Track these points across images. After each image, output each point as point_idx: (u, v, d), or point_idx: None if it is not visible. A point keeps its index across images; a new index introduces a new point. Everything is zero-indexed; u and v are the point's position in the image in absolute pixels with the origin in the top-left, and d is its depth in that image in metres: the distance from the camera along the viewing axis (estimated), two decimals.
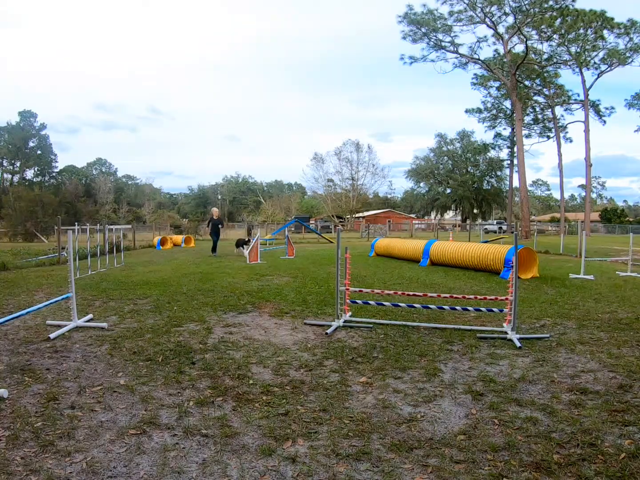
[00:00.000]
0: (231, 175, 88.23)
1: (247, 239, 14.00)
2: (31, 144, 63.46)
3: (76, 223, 12.49)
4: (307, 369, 3.29)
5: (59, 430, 2.32)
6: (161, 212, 61.25)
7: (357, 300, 5.18)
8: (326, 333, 4.26)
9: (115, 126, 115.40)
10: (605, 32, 31.40)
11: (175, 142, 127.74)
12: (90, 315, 4.79)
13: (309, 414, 2.53)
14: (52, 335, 4.01)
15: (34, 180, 63.25)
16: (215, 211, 14.45)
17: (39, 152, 64.02)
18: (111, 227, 13.49)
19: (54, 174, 67.46)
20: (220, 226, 14.20)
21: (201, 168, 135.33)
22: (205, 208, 77.92)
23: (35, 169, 64.97)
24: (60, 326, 4.35)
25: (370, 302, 5.20)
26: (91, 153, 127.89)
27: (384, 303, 5.08)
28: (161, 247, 18.36)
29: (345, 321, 4.64)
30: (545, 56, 34.25)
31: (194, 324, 4.61)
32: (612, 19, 30.68)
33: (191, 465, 2.02)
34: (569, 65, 34.17)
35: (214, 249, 13.94)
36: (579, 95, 36.54)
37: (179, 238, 21.09)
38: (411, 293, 5.36)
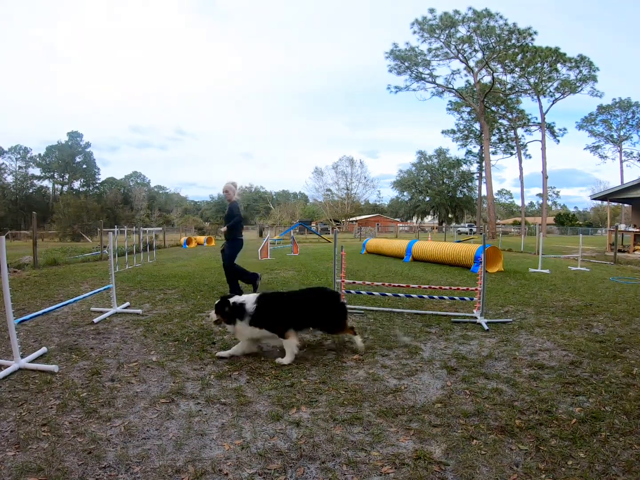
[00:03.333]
0: (245, 185, 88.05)
1: None
2: (78, 160, 63.41)
3: (116, 226, 12.49)
4: (309, 348, 3.28)
5: (101, 399, 2.31)
6: (187, 217, 61.10)
7: (351, 290, 5.17)
8: None
9: (149, 145, 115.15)
10: (558, 65, 31.46)
11: (199, 158, 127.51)
12: (127, 303, 4.77)
13: (310, 386, 2.52)
14: (95, 320, 4.01)
15: (80, 190, 63.15)
16: (229, 188, 5.82)
17: (84, 166, 63.98)
18: (145, 229, 13.47)
19: (97, 185, 67.39)
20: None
21: (220, 180, 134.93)
22: (224, 213, 77.80)
23: (81, 180, 64.91)
24: (102, 312, 4.34)
25: (362, 292, 5.19)
26: (128, 167, 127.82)
27: (374, 293, 5.07)
28: (187, 246, 18.34)
29: None
30: (508, 86, 34.28)
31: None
32: (565, 54, 30.72)
33: (212, 428, 2.02)
34: (529, 94, 34.23)
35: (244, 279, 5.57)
36: (537, 119, 36.56)
37: (202, 238, 21.06)
38: (396, 284, 5.34)
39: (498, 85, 33.19)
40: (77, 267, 9.07)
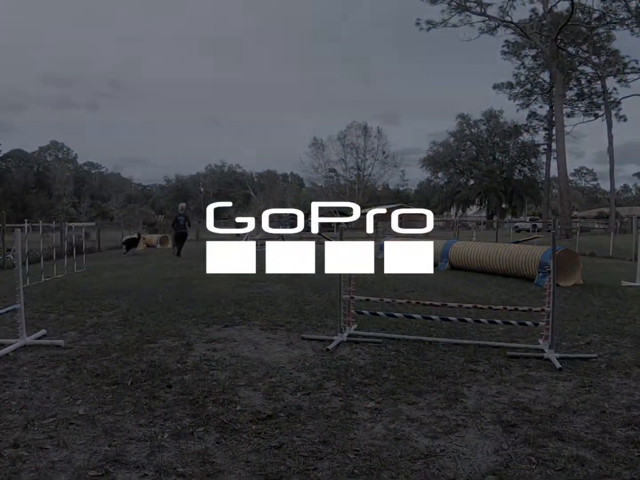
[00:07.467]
0: (215, 164, 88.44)
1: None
2: None
3: (26, 220, 12.41)
4: (304, 392, 3.27)
5: None
6: (132, 207, 61.35)
7: (363, 311, 5.16)
8: (327, 349, 4.26)
9: (71, 103, 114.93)
10: None
11: (147, 124, 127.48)
12: (43, 331, 4.75)
13: (306, 447, 2.51)
14: None
15: None
16: None
17: None
18: (70, 224, 13.48)
19: None
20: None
21: (179, 155, 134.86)
22: (185, 202, 78.12)
23: None
24: (4, 345, 4.28)
25: (379, 312, 5.19)
26: (44, 135, 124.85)
27: (396, 314, 5.07)
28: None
29: (349, 335, 4.64)
30: (595, 15, 33.09)
31: (171, 339, 4.60)
32: None
33: None
34: (627, 26, 32.39)
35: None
36: (637, 62, 35.81)
37: (154, 238, 21.00)
38: (427, 302, 5.33)
39: (579, 15, 32.49)
40: None
